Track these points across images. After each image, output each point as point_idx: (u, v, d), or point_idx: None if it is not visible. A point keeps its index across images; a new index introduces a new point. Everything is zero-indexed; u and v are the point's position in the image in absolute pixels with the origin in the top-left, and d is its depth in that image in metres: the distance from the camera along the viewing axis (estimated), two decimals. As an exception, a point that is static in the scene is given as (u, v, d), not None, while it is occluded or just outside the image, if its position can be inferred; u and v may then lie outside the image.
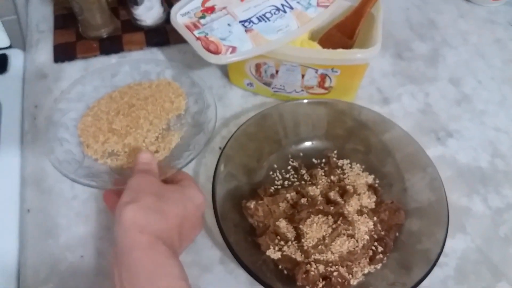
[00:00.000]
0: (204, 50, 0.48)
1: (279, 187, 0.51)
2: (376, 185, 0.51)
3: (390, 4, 0.72)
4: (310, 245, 0.44)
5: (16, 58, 0.66)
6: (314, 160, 0.53)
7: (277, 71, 0.54)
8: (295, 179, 0.52)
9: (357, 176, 0.51)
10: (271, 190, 0.50)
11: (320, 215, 0.46)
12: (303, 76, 0.54)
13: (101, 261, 0.46)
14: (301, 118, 0.54)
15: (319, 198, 0.48)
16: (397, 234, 0.47)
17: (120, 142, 0.53)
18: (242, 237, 0.45)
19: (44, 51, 0.65)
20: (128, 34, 0.66)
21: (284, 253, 0.44)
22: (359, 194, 0.48)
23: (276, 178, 0.52)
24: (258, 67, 0.55)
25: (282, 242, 0.45)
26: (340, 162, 0.53)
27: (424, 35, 0.68)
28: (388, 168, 0.51)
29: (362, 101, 0.59)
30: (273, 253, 0.44)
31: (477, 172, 0.53)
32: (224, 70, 0.62)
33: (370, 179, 0.51)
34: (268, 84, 0.57)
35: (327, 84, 0.55)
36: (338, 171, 0.52)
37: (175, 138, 0.55)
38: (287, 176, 0.52)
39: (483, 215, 0.50)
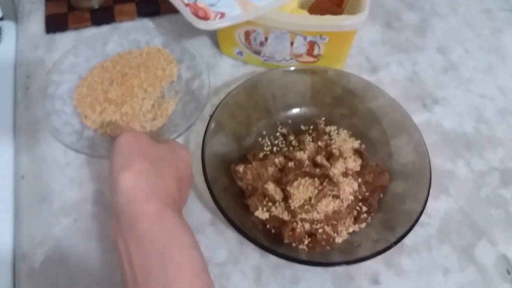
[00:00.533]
0: (193, 16, 0.48)
1: (268, 152, 0.52)
2: (362, 149, 0.52)
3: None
4: (297, 205, 0.46)
5: (8, 30, 0.66)
6: (302, 126, 0.54)
7: (266, 39, 0.55)
8: (284, 145, 0.53)
9: (344, 141, 0.52)
10: (260, 156, 0.51)
11: (306, 178, 0.47)
12: (292, 43, 0.54)
13: (94, 225, 0.47)
14: (290, 86, 0.55)
15: (306, 162, 0.49)
16: (381, 195, 0.48)
17: (118, 111, 0.54)
18: (231, 200, 0.46)
19: (36, 22, 0.65)
20: (119, 5, 0.67)
21: (272, 214, 0.46)
22: (345, 158, 0.50)
23: (265, 144, 0.53)
24: (247, 34, 0.55)
25: (270, 204, 0.47)
26: (327, 129, 0.54)
27: (413, 4, 0.69)
28: (375, 134, 0.52)
29: (351, 69, 0.60)
30: (262, 214, 0.46)
31: (462, 137, 0.55)
32: (214, 39, 0.62)
33: (356, 144, 0.52)
34: (257, 53, 0.58)
35: (315, 52, 0.55)
36: (326, 137, 0.53)
37: (171, 105, 0.56)
38: (276, 142, 0.53)
39: (466, 178, 0.51)
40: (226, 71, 0.60)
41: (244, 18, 0.49)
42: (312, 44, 0.54)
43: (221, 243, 0.46)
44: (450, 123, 0.56)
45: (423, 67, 0.61)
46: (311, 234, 0.43)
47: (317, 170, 0.47)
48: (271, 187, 0.47)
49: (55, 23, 0.64)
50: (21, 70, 0.60)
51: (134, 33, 0.62)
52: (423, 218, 0.44)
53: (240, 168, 0.47)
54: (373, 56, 0.62)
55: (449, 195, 0.50)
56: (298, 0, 0.57)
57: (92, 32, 0.64)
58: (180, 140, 0.53)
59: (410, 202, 0.46)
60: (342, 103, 0.54)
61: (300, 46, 0.54)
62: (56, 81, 0.56)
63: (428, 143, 0.50)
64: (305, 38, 0.53)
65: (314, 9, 0.56)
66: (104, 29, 0.64)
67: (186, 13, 0.49)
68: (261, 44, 0.56)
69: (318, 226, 0.44)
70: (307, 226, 0.43)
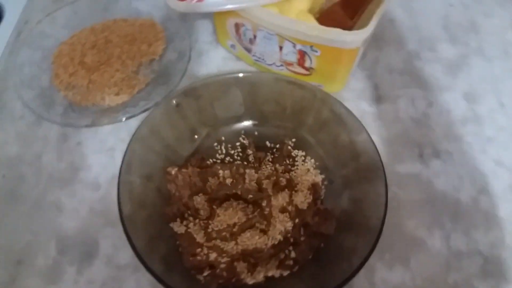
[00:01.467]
0: None
1: (218, 161, 0.46)
2: (322, 187, 0.44)
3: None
4: (216, 229, 0.40)
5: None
6: (268, 142, 0.48)
7: (255, 36, 0.48)
8: (239, 158, 0.47)
9: (306, 172, 0.45)
10: (207, 162, 0.46)
11: (241, 201, 0.41)
12: (281, 48, 0.48)
13: (20, 187, 0.45)
14: (270, 95, 0.48)
15: (252, 183, 0.43)
16: (322, 244, 0.41)
17: (87, 77, 0.52)
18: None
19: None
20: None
21: (188, 230, 0.40)
22: (296, 191, 0.43)
23: (219, 152, 0.47)
24: (237, 27, 0.50)
25: (191, 218, 0.41)
26: (294, 152, 0.47)
27: (458, 38, 0.58)
28: (343, 173, 0.44)
29: (351, 93, 0.52)
30: (177, 227, 0.41)
31: (452, 205, 0.45)
32: (215, 26, 0.57)
33: (318, 178, 0.45)
34: (248, 50, 0.52)
35: (307, 64, 0.48)
36: (288, 161, 0.46)
37: (140, 83, 0.52)
38: (232, 152, 0.47)
39: (437, 254, 0.42)
40: (214, 62, 0.55)
41: (221, 8, 0.44)
42: (302, 54, 0.47)
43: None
44: (443, 185, 0.46)
45: (438, 110, 0.51)
46: (213, 266, 0.37)
47: (250, 196, 0.41)
48: (200, 200, 0.42)
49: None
50: (24, 14, 0.60)
51: (139, 2, 0.59)
52: (365, 285, 0.36)
53: (173, 170, 0.43)
54: (384, 84, 0.53)
55: (407, 268, 0.41)
56: (308, 3, 0.50)
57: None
58: (132, 122, 0.48)
59: (357, 261, 0.38)
60: (319, 129, 0.47)
61: (290, 54, 0.48)
62: (45, 32, 0.55)
63: (408, 199, 0.44)
64: (294, 46, 0.46)
65: (325, 17, 0.49)
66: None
67: None
68: (251, 41, 0.50)
69: (223, 260, 0.37)
70: (212, 255, 0.38)
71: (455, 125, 0.50)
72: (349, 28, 0.49)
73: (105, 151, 0.48)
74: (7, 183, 0.46)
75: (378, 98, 0.52)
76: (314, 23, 0.47)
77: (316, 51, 0.46)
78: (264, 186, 0.42)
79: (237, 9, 0.44)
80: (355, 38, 0.43)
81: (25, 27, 0.58)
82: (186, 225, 0.41)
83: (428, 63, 0.55)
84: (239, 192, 0.41)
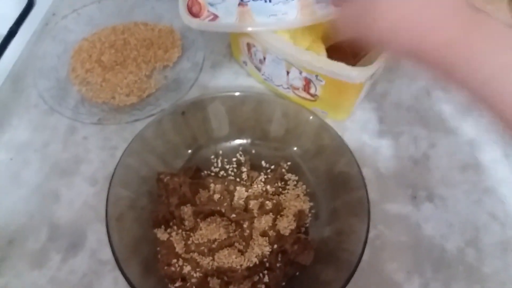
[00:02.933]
0: (185, 8, 0.45)
1: (213, 174, 0.48)
2: (309, 215, 0.45)
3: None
4: (196, 242, 0.41)
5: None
6: (263, 162, 0.49)
7: (264, 58, 0.49)
8: (232, 174, 0.48)
9: (295, 197, 0.45)
10: (202, 173, 0.47)
11: (225, 218, 0.42)
12: (288, 73, 0.48)
13: (24, 171, 0.48)
14: (273, 116, 0.49)
15: (240, 202, 0.44)
16: (297, 273, 0.41)
17: (102, 75, 0.54)
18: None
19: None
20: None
21: (170, 238, 0.42)
22: (281, 215, 0.43)
23: (215, 165, 0.48)
24: (248, 46, 0.50)
25: (175, 227, 0.43)
26: (287, 176, 0.47)
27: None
28: (331, 203, 0.45)
29: (355, 123, 0.53)
30: (161, 234, 0.42)
31: (436, 252, 0.44)
32: (232, 40, 0.58)
33: (306, 205, 0.45)
34: (258, 69, 0.53)
35: (312, 91, 0.49)
36: (280, 184, 0.47)
37: (150, 88, 0.54)
38: (227, 167, 0.48)
39: (412, 301, 0.42)
40: (226, 76, 0.56)
41: (233, 30, 0.45)
42: (308, 81, 0.47)
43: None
44: (431, 230, 0.46)
45: (439, 153, 0.51)
46: (185, 279, 0.39)
47: (233, 215, 0.41)
48: (186, 210, 0.43)
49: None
50: (53, 6, 0.62)
51: (163, 6, 0.60)
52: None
53: (165, 177, 0.44)
54: (389, 118, 0.53)
55: (380, 310, 0.41)
56: (322, 31, 0.50)
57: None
58: (136, 125, 0.50)
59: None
60: (316, 156, 0.47)
61: (296, 79, 0.48)
62: (69, 27, 0.58)
63: (394, 241, 0.44)
64: (300, 72, 0.47)
65: (333, 49, 0.49)
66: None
67: (182, 1, 0.45)
68: (261, 62, 0.51)
69: (196, 274, 0.39)
70: (186, 268, 0.39)
71: (454, 171, 0.50)
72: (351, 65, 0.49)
73: (107, 148, 0.50)
74: (13, 165, 0.48)
75: (380, 132, 0.52)
76: (324, 53, 0.48)
77: (321, 81, 0.46)
78: (250, 206, 0.43)
79: (248, 32, 0.45)
80: (359, 74, 0.43)
81: (52, 19, 0.61)
82: (169, 233, 0.42)
83: (438, 103, 0.55)
84: (223, 210, 0.42)
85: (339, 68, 0.43)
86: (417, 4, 0.31)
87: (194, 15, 0.45)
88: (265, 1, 0.45)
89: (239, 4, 0.45)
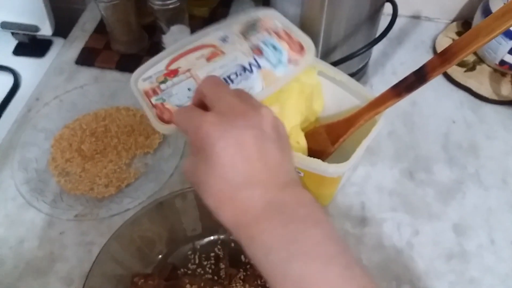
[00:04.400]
0: (156, 119, 0.44)
1: (189, 272, 0.46)
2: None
3: (437, 109, 0.61)
4: None
5: (56, 48, 0.71)
6: (243, 257, 0.47)
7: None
8: (210, 271, 0.47)
9: (275, 297, 0.44)
10: (179, 272, 0.46)
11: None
12: (266, 164, 0.48)
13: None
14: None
15: (217, 304, 0.43)
16: None
17: (81, 165, 0.54)
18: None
19: (74, 50, 0.68)
20: (151, 57, 0.66)
21: None
22: (260, 319, 0.42)
23: (192, 261, 0.47)
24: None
25: (149, 336, 0.41)
26: (267, 272, 0.46)
27: (456, 159, 0.57)
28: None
29: (337, 209, 0.52)
30: None
31: None
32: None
33: (286, 306, 0.43)
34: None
35: (291, 182, 0.48)
36: (260, 282, 0.45)
37: (130, 177, 0.54)
38: (205, 263, 0.47)
39: None
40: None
41: None
42: (286, 174, 0.47)
43: None
44: (417, 329, 0.44)
45: (423, 240, 0.50)
46: None
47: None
48: (162, 317, 0.41)
49: (85, 57, 0.66)
50: (37, 91, 0.63)
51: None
52: None
53: (140, 281, 0.43)
54: (371, 205, 0.53)
55: None
56: (301, 117, 0.50)
57: (113, 76, 0.65)
58: (114, 219, 0.49)
59: None
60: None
61: (275, 171, 0.48)
62: (51, 115, 0.58)
63: None
64: (278, 165, 0.46)
65: (311, 136, 0.50)
66: (125, 77, 0.65)
67: (150, 115, 0.44)
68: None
69: None
70: None
71: (439, 260, 0.49)
72: (329, 153, 0.49)
73: (84, 244, 0.49)
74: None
75: (363, 219, 0.51)
76: (303, 140, 0.48)
77: (300, 173, 0.46)
78: (228, 310, 0.42)
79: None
80: (335, 170, 0.43)
81: (35, 105, 0.61)
82: None
83: (421, 186, 0.54)
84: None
85: (315, 164, 0.43)
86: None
87: (168, 122, 0.44)
88: (228, 84, 0.45)
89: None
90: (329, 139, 0.48)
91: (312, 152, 0.48)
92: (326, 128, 0.49)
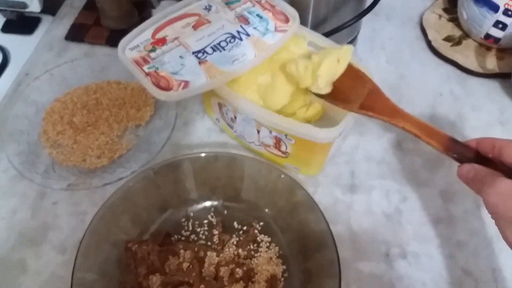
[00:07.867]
0: (154, 86, 0.44)
1: (183, 238, 0.47)
2: (282, 279, 0.44)
3: (424, 82, 0.62)
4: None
5: (44, 25, 0.70)
6: (235, 223, 0.48)
7: (235, 117, 0.50)
8: (203, 237, 0.47)
9: (268, 261, 0.45)
10: (173, 238, 0.46)
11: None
12: (258, 131, 0.49)
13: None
14: (245, 175, 0.49)
15: (211, 268, 0.43)
16: None
17: (73, 137, 0.54)
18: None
19: (63, 26, 0.68)
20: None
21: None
22: (253, 282, 0.43)
23: (185, 228, 0.48)
24: (220, 106, 0.51)
25: (143, 298, 0.42)
26: (260, 237, 0.47)
27: (444, 130, 0.58)
28: (303, 265, 0.44)
29: (327, 178, 0.53)
30: (128, 304, 0.41)
31: (411, 312, 0.44)
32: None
33: (279, 269, 0.45)
34: (230, 127, 0.53)
35: (283, 149, 0.49)
36: (252, 247, 0.46)
37: (122, 149, 0.54)
38: (198, 230, 0.48)
39: None
40: (199, 132, 0.56)
41: (210, 87, 0.45)
42: (278, 140, 0.48)
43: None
44: (405, 288, 0.45)
45: (411, 207, 0.51)
46: None
47: (202, 286, 0.41)
48: (155, 280, 0.42)
49: (75, 33, 0.66)
50: (26, 66, 0.63)
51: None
52: None
53: (134, 246, 0.43)
54: (360, 172, 0.54)
55: None
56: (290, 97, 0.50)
57: (103, 51, 0.65)
58: (107, 188, 0.49)
59: None
60: (291, 215, 0.47)
61: (266, 137, 0.49)
62: (41, 89, 0.58)
63: None
64: (270, 132, 0.47)
65: (353, 80, 0.46)
66: (116, 52, 0.64)
67: (146, 83, 0.45)
68: (232, 120, 0.51)
69: None
70: None
71: (427, 225, 0.50)
72: (349, 105, 0.46)
73: (77, 214, 0.49)
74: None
75: (352, 186, 0.52)
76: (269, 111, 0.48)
77: (291, 140, 0.47)
78: (221, 273, 0.43)
79: (222, 87, 0.46)
80: (326, 135, 0.44)
81: (25, 80, 0.61)
82: (137, 305, 0.41)
83: (408, 155, 0.56)
84: (191, 281, 0.41)
85: (306, 129, 0.44)
86: None
87: (166, 89, 0.45)
88: (220, 51, 0.46)
89: (200, 63, 0.46)
90: (363, 100, 0.46)
91: (336, 90, 0.46)
92: (371, 91, 0.46)
